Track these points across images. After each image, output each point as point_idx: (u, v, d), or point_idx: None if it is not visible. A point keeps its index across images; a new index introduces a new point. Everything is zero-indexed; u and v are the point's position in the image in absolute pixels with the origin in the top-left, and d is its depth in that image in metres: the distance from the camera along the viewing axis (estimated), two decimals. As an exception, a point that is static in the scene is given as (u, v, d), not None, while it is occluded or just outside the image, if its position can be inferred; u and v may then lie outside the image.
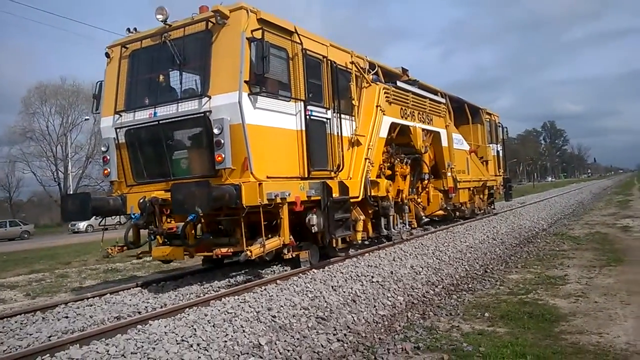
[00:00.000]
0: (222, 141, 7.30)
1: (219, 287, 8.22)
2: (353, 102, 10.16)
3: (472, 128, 18.37)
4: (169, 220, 7.89)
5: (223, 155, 7.31)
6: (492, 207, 20.81)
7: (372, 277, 8.02)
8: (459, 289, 8.11)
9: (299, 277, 7.89)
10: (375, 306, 6.82)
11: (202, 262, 10.03)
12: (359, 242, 10.15)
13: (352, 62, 10.28)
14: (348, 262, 9.13)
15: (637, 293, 7.05)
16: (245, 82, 7.39)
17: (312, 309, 6.26)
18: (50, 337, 5.89)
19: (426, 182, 13.73)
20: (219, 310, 5.89)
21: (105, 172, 8.66)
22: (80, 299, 7.66)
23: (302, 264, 8.59)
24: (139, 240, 8.60)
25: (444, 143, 14.61)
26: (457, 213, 16.45)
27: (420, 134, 12.82)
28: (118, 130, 8.42)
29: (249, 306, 6.09)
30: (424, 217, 13.68)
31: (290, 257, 8.29)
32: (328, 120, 9.22)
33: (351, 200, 9.35)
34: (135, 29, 8.73)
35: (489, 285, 8.21)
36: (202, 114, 7.54)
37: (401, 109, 12.05)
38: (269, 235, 7.57)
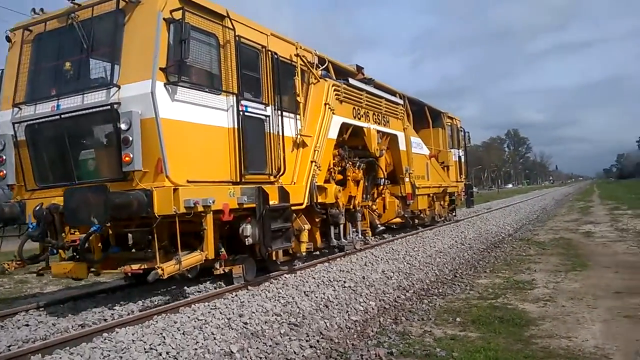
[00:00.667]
0: (131, 138, 6.23)
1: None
2: (298, 98, 9.21)
3: (433, 132, 17.78)
4: (72, 231, 6.94)
5: (131, 155, 6.23)
6: (454, 213, 20.29)
7: (344, 282, 7.97)
8: (430, 294, 8.15)
9: (270, 283, 7.77)
10: (347, 311, 6.78)
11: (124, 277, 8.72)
12: (304, 254, 9.06)
13: (297, 55, 9.33)
14: (320, 267, 9.05)
15: (602, 297, 7.21)
16: (161, 69, 6.39)
17: (284, 314, 6.16)
18: (9, 346, 5.61)
19: (382, 187, 13.09)
20: (188, 317, 5.72)
21: (1, 174, 7.44)
22: (42, 306, 7.33)
23: (234, 281, 7.64)
24: (45, 253, 7.34)
25: (402, 147, 13.77)
26: (417, 220, 15.78)
27: (375, 136, 11.96)
28: (17, 125, 7.24)
29: (220, 313, 5.94)
30: (379, 226, 12.81)
31: (222, 272, 7.43)
32: (267, 118, 8.26)
33: (294, 207, 8.48)
34: (41, 10, 7.55)
35: (459, 289, 8.28)
36: (109, 107, 6.44)
37: (354, 108, 11.15)
38: (197, 249, 6.64)
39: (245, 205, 7.26)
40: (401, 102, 14.17)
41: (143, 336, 5.07)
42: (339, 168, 10.92)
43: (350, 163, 11.26)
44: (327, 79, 10.17)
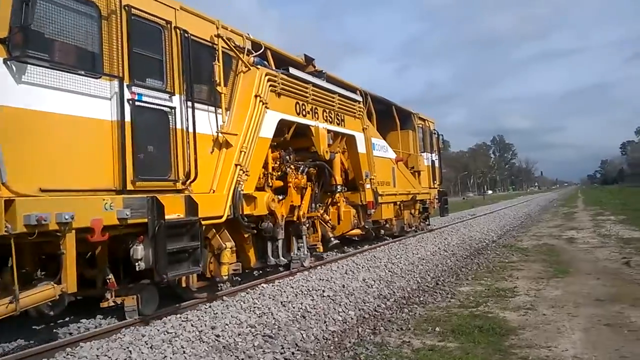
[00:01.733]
0: None
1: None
2: (219, 88, 7.64)
3: (402, 135, 16.35)
4: None
5: None
6: (427, 222, 18.70)
7: (324, 291, 7.82)
8: (410, 302, 8.01)
9: (247, 293, 7.58)
10: (325, 322, 6.61)
11: None
12: (226, 276, 7.36)
13: (218, 36, 7.80)
14: (299, 276, 8.88)
15: (583, 305, 7.13)
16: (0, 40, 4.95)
17: (259, 326, 5.99)
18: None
19: (338, 195, 11.55)
20: (158, 330, 5.53)
21: None
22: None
23: (127, 315, 6.23)
24: None
25: (361, 149, 12.26)
26: (382, 231, 14.37)
27: (325, 136, 10.46)
28: None
29: (192, 325, 5.76)
30: (332, 239, 10.98)
31: (113, 304, 6.16)
32: (173, 110, 6.75)
33: (209, 222, 7.00)
34: None
35: (440, 298, 8.15)
36: None
37: (297, 103, 9.59)
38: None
39: (131, 221, 5.74)
40: (359, 98, 12.63)
41: (108, 351, 4.87)
42: (278, 173, 9.44)
43: (293, 167, 9.71)
44: (259, 67, 8.52)
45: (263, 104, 8.41)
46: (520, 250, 13.24)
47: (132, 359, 4.71)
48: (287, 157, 9.66)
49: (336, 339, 6.14)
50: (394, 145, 15.35)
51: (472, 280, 9.53)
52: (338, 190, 11.41)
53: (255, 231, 8.34)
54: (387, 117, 15.47)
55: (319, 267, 9.89)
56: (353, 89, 12.89)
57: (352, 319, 6.94)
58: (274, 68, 9.20)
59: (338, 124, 11.34)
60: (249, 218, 7.99)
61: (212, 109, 7.68)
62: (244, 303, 6.85)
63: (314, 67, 11.24)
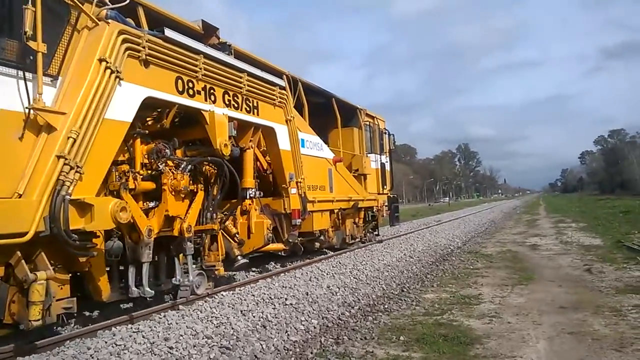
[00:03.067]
0: None
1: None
2: (32, 44, 5.29)
3: (344, 132, 14.61)
4: None
5: None
6: (376, 232, 16.84)
7: (286, 299, 7.56)
8: (375, 310, 7.83)
9: (205, 301, 7.25)
10: (287, 331, 6.35)
11: None
12: (37, 322, 4.99)
13: None
14: (261, 283, 8.60)
15: (547, 312, 7.09)
16: None
17: (216, 337, 5.69)
18: None
19: (250, 202, 9.33)
20: (105, 342, 5.17)
21: None
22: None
23: None
24: None
25: (284, 145, 10.05)
26: (317, 244, 12.48)
27: (224, 124, 7.88)
28: None
29: (143, 336, 5.41)
30: (239, 257, 8.75)
31: None
32: None
33: (9, 241, 4.82)
34: None
35: (405, 305, 8.00)
36: None
37: (179, 78, 7.29)
38: None
39: None
40: (283, 84, 10.24)
41: (48, 366, 4.49)
42: (149, 171, 7.26)
43: (169, 164, 7.33)
44: (112, 21, 6.23)
45: (113, 72, 6.05)
46: (484, 257, 13.26)
47: (74, 374, 4.36)
48: (168, 150, 7.40)
49: (297, 350, 5.90)
50: (333, 144, 14.01)
51: (437, 287, 9.43)
52: (250, 195, 9.08)
53: (95, 253, 5.89)
54: (327, 111, 13.83)
55: (282, 274, 9.60)
56: (277, 73, 10.65)
57: (314, 328, 6.70)
58: (144, 27, 7.04)
59: (248, 112, 8.95)
60: (81, 235, 5.54)
61: (21, 74, 5.30)
62: (201, 312, 6.53)
63: (218, 38, 9.09)
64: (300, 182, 10.47)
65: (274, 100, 9.80)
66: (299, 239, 11.02)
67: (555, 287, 8.94)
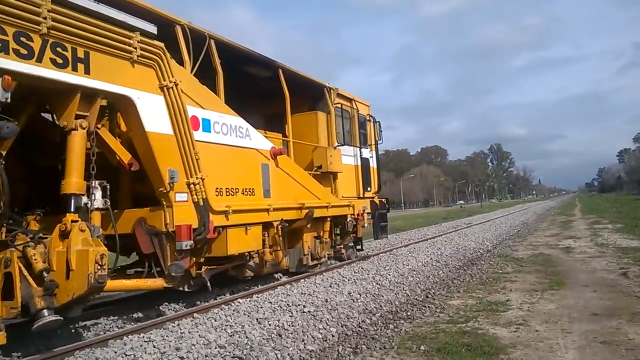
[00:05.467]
0: None
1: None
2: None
3: (300, 117, 11.41)
4: None
5: None
6: (358, 247, 13.44)
7: (304, 306, 7.38)
8: (397, 317, 7.58)
9: (220, 309, 7.13)
10: (303, 340, 6.17)
11: None
12: None
13: None
14: (279, 290, 8.43)
15: (577, 320, 6.71)
16: None
17: (229, 346, 5.55)
18: None
19: (74, 218, 5.65)
20: (115, 352, 5.09)
21: None
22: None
23: None
24: None
25: (156, 126, 6.80)
26: (248, 272, 8.72)
27: None
28: None
29: (154, 346, 5.31)
30: (45, 312, 5.16)
31: None
32: None
33: None
34: None
35: (428, 312, 7.72)
36: None
37: None
38: None
39: None
40: (150, 28, 6.78)
41: (55, 377, 4.42)
42: None
43: None
44: None
45: None
46: (515, 261, 12.82)
47: (80, 386, 4.27)
48: None
49: (314, 359, 5.72)
50: (275, 129, 10.77)
51: (464, 292, 9.11)
52: (76, 206, 5.79)
53: None
54: (275, 87, 10.53)
55: (302, 280, 9.40)
56: (154, 17, 7.14)
57: (332, 336, 6.50)
58: None
59: (60, 65, 5.57)
60: None
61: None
62: (215, 320, 6.41)
63: None
64: (195, 184, 7.22)
65: (130, 53, 6.44)
66: (207, 268, 7.62)
67: (589, 292, 8.50)
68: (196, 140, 7.31)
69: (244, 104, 9.56)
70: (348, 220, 11.96)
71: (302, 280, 9.30)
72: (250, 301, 7.63)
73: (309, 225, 10.28)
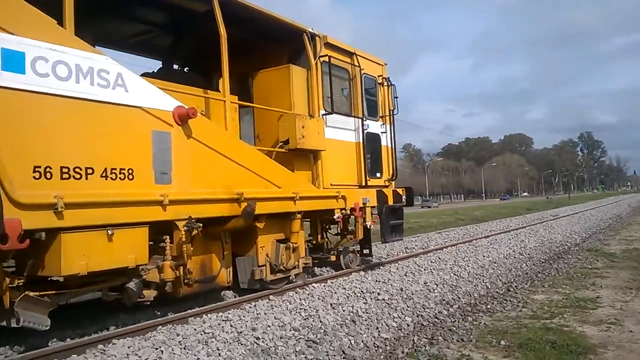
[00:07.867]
0: None
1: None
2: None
3: (272, 75, 8.54)
4: None
5: None
6: (365, 251, 10.24)
7: (379, 294, 7.29)
8: (476, 310, 7.31)
9: (295, 292, 7.20)
10: (377, 328, 6.10)
11: None
12: None
13: None
14: (354, 277, 8.40)
15: (680, 322, 6.14)
16: None
17: (303, 329, 5.58)
18: None
19: None
20: (194, 330, 5.28)
21: None
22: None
23: None
24: None
25: None
26: (132, 298, 5.65)
27: None
28: None
29: (231, 325, 5.46)
30: None
31: None
32: None
33: None
34: None
35: (510, 306, 7.38)
36: None
37: None
38: None
39: None
40: None
41: (139, 349, 4.65)
42: None
43: None
44: None
45: None
46: (606, 256, 11.98)
47: (162, 359, 4.45)
48: None
49: (388, 348, 5.62)
50: (234, 92, 7.77)
51: (549, 287, 8.63)
52: None
53: None
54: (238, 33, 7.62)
55: (376, 268, 9.20)
56: None
57: (408, 325, 6.37)
58: None
59: None
60: None
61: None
62: (290, 304, 6.49)
63: None
64: None
65: None
66: (28, 294, 4.68)
67: (692, 292, 7.77)
68: None
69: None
70: (336, 216, 8.59)
71: (376, 268, 9.21)
72: (324, 286, 7.66)
73: (261, 226, 7.16)
